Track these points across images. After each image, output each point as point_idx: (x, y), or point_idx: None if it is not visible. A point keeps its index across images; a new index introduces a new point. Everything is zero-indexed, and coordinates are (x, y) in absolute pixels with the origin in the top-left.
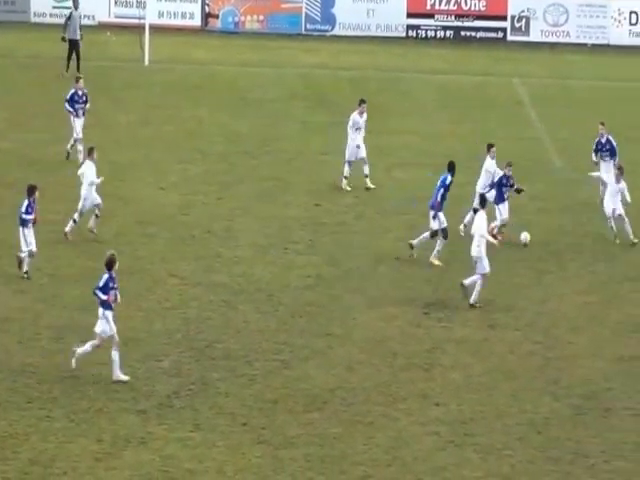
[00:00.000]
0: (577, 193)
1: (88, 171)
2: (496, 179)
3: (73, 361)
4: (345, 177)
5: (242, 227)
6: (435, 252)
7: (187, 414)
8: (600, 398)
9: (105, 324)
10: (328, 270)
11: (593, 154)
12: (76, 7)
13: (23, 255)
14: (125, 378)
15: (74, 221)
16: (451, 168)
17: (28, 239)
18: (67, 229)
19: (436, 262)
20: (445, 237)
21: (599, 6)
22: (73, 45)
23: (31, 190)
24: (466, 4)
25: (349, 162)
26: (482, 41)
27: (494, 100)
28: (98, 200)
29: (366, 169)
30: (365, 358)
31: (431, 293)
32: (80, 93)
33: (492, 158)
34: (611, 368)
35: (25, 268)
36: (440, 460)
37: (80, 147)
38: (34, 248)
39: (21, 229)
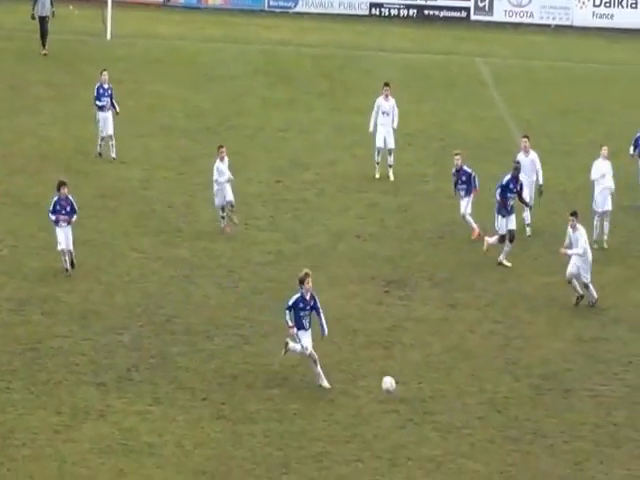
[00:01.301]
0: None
1: (224, 168)
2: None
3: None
4: (377, 163)
5: (203, 202)
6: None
7: (146, 388)
8: (559, 378)
9: (297, 345)
10: (289, 247)
11: (631, 148)
12: None
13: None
14: (327, 385)
15: (222, 217)
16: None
17: (59, 237)
18: (223, 225)
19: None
20: (501, 240)
21: None
22: (42, 22)
23: (58, 186)
24: None
25: (379, 149)
26: (446, 20)
27: (457, 79)
28: (231, 197)
29: (391, 159)
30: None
31: (392, 271)
32: (106, 86)
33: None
34: (571, 349)
35: (67, 265)
36: (399, 438)
37: (112, 142)
38: (64, 247)
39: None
